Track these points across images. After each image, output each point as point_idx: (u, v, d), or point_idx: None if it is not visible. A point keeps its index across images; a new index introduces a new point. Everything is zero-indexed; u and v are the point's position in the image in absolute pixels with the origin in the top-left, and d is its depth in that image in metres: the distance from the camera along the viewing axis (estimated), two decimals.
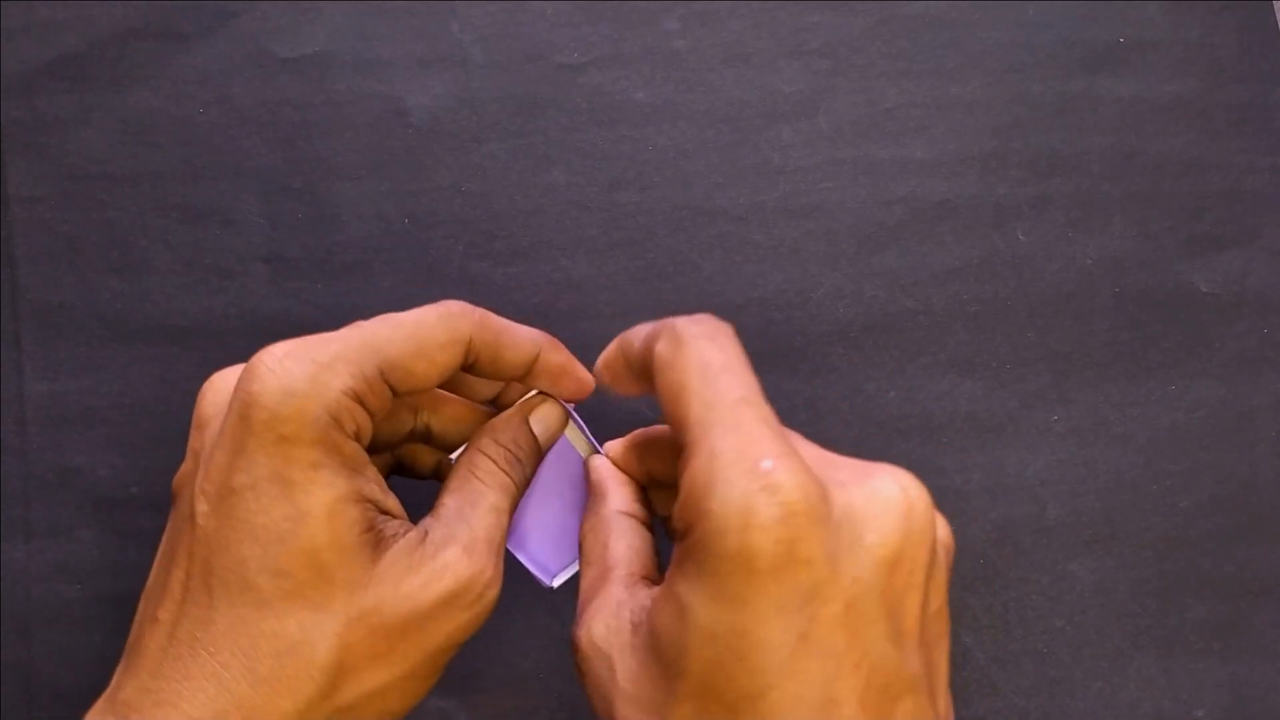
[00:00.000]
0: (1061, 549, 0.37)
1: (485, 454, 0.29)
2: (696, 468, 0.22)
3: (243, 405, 0.25)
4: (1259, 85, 0.40)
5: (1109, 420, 0.38)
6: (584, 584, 0.28)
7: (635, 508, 0.29)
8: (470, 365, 0.29)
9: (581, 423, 0.32)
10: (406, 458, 0.32)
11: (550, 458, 0.32)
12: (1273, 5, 0.41)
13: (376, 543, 0.26)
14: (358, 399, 0.26)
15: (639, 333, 0.27)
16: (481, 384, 0.31)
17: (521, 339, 0.29)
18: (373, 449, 0.30)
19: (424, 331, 0.27)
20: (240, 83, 0.39)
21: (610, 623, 0.25)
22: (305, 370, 0.25)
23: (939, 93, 0.40)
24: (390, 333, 0.27)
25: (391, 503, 0.27)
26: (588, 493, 0.31)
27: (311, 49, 0.39)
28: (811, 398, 0.38)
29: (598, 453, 0.31)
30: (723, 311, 0.38)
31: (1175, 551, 0.37)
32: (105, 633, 0.36)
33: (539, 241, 0.38)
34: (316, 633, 0.24)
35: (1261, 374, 0.39)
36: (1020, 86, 0.40)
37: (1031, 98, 0.40)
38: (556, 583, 0.31)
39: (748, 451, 0.22)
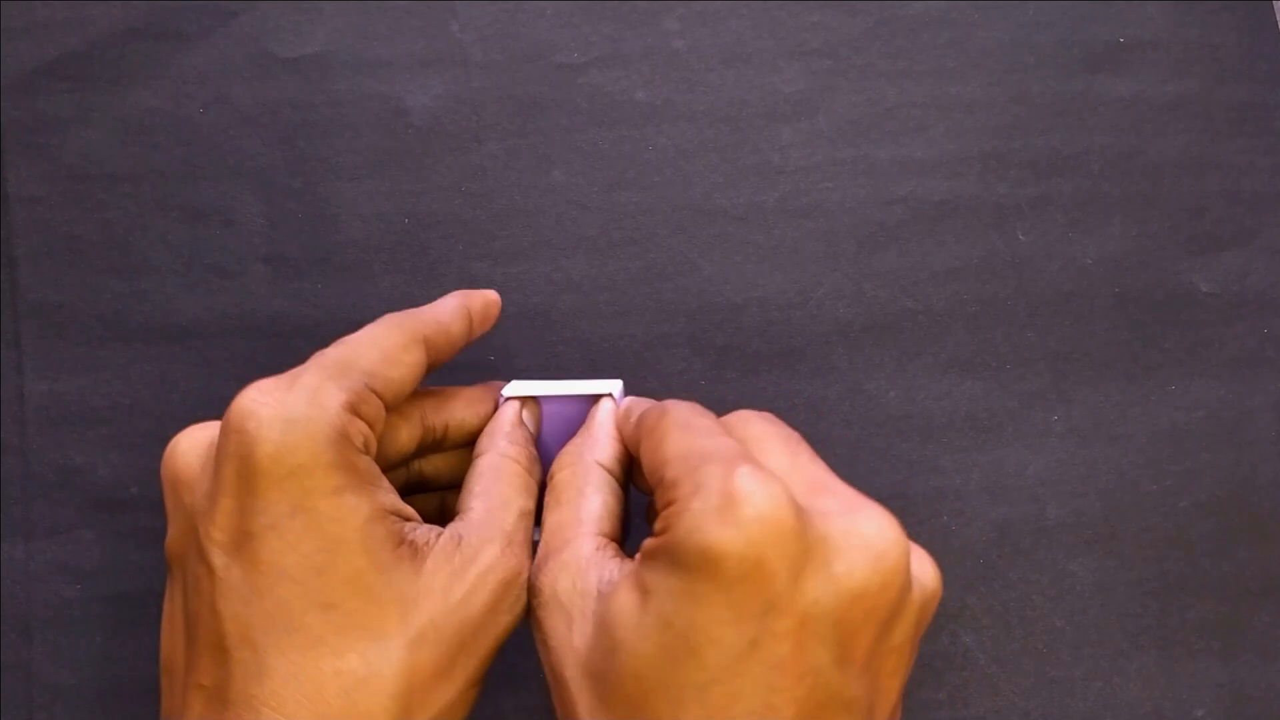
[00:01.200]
0: (1061, 549, 0.37)
1: (509, 458, 0.29)
2: (682, 481, 0.23)
3: (241, 445, 0.24)
4: (1259, 85, 0.40)
5: (1109, 420, 0.38)
6: (551, 521, 0.27)
7: (616, 468, 0.29)
8: (435, 359, 0.29)
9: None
10: (428, 471, 0.32)
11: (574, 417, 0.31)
12: (1273, 5, 0.41)
13: (414, 554, 0.25)
14: (355, 412, 0.25)
15: (637, 407, 0.29)
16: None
17: (453, 305, 0.30)
18: (385, 468, 0.30)
19: (384, 340, 0.27)
20: (240, 83, 0.39)
21: (576, 582, 0.25)
22: (300, 395, 0.24)
23: (939, 93, 0.40)
24: (353, 349, 0.27)
25: (409, 510, 0.27)
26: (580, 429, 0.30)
27: (311, 49, 0.39)
28: (811, 398, 0.38)
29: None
30: (723, 311, 0.38)
31: (1175, 551, 0.37)
32: (105, 633, 0.36)
33: (539, 241, 0.38)
34: (380, 661, 0.24)
35: (1261, 374, 0.39)
36: (1020, 86, 0.40)
37: (1031, 98, 0.40)
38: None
39: (727, 465, 0.23)
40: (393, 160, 0.39)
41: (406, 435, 0.30)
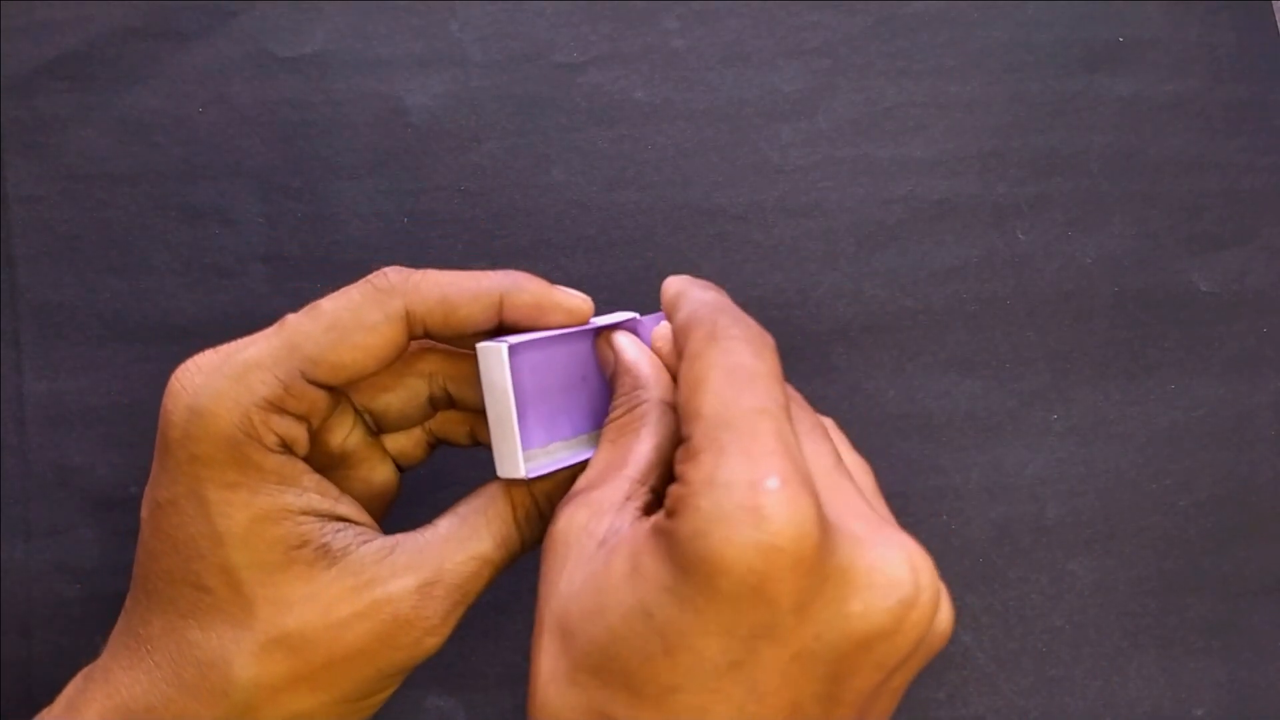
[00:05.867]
0: (1061, 548, 0.37)
1: (510, 499, 0.27)
2: (702, 460, 0.21)
3: (162, 422, 0.25)
4: (1258, 85, 0.40)
5: (1108, 419, 0.38)
6: (598, 460, 0.25)
7: (673, 396, 0.26)
8: (425, 333, 0.26)
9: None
10: (441, 430, 0.30)
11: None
12: (1272, 5, 0.41)
13: (319, 558, 0.25)
14: (277, 408, 0.25)
15: (689, 300, 0.25)
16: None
17: (476, 289, 0.26)
18: (399, 427, 0.29)
19: (346, 318, 0.25)
20: (239, 82, 0.39)
21: (589, 523, 0.23)
22: (215, 386, 0.24)
23: (938, 92, 0.40)
24: (310, 325, 0.25)
25: (346, 508, 0.26)
26: (615, 375, 0.27)
27: (311, 48, 0.39)
28: (811, 397, 0.38)
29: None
30: None
31: (1174, 550, 0.37)
32: (105, 633, 0.36)
33: (538, 241, 0.38)
34: (234, 650, 0.25)
35: (1261, 374, 0.39)
36: (1019, 86, 0.40)
37: (1031, 97, 0.40)
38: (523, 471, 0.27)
39: (757, 464, 0.20)
40: (392, 160, 0.39)
41: (400, 402, 0.28)
